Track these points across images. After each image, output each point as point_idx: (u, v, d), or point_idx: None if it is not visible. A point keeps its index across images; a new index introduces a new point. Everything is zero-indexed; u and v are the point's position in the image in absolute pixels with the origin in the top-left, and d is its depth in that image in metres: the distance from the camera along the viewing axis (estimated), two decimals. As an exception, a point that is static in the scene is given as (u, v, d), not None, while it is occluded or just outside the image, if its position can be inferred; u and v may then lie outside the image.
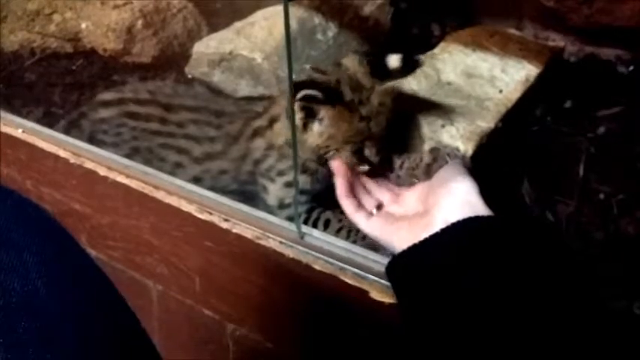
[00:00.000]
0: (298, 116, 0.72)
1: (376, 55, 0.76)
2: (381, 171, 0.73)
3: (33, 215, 0.43)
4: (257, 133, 0.82)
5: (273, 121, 0.80)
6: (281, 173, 0.80)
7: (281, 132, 0.79)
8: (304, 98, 0.70)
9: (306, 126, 0.73)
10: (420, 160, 0.75)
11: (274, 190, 0.80)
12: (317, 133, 0.73)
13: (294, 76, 0.68)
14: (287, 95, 0.75)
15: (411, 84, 0.87)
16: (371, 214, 0.64)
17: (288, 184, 0.79)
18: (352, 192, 0.67)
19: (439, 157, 0.75)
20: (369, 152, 0.73)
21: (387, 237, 0.58)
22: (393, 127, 0.76)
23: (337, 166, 0.70)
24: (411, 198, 0.64)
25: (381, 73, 0.74)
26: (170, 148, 0.86)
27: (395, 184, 0.72)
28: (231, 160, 0.83)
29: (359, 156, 0.73)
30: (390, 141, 0.76)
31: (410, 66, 0.75)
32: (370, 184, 0.70)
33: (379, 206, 0.66)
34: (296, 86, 0.69)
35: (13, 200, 0.43)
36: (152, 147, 0.87)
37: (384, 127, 0.74)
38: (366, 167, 0.72)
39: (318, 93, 0.70)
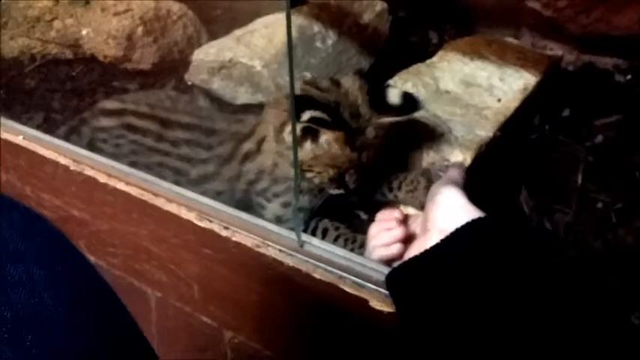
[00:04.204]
0: (297, 132, 0.69)
1: (376, 81, 0.74)
2: (360, 197, 0.73)
3: (39, 228, 0.43)
4: (247, 156, 0.81)
5: (260, 143, 0.79)
6: (277, 195, 0.79)
7: (269, 153, 0.77)
8: (311, 120, 0.67)
9: (299, 142, 0.71)
10: (418, 182, 0.75)
11: (272, 209, 0.80)
12: (307, 150, 0.72)
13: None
14: (287, 105, 0.74)
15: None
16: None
17: (285, 205, 0.79)
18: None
19: (432, 176, 0.75)
20: (348, 179, 0.72)
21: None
22: (383, 155, 0.74)
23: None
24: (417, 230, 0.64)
25: (379, 105, 0.72)
26: (166, 167, 0.85)
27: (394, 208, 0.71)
28: (225, 180, 0.82)
29: (337, 180, 0.72)
30: (374, 170, 0.75)
31: (410, 105, 0.72)
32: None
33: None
34: (298, 103, 0.67)
35: (20, 213, 0.43)
36: (149, 163, 0.86)
37: (371, 159, 0.73)
38: (340, 191, 0.72)
39: (325, 116, 0.68)
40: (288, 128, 0.71)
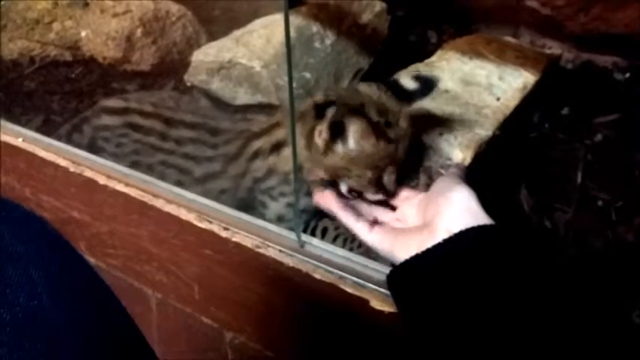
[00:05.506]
0: (323, 136, 0.68)
1: (389, 80, 0.73)
2: (391, 198, 0.69)
3: (38, 229, 0.43)
4: (258, 154, 0.79)
5: (278, 147, 0.77)
6: (283, 194, 0.78)
7: (290, 159, 0.73)
8: (336, 114, 0.66)
9: (328, 147, 0.68)
10: (417, 181, 0.75)
11: (275, 208, 0.79)
12: (340, 154, 0.68)
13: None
14: (288, 105, 0.73)
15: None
16: (372, 225, 0.63)
17: (289, 205, 0.78)
18: (348, 206, 0.66)
19: (432, 173, 0.75)
20: (387, 180, 0.68)
21: (389, 248, 0.58)
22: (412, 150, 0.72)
23: (324, 193, 0.68)
24: (410, 211, 0.64)
25: (400, 95, 0.71)
26: (170, 165, 0.84)
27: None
28: (230, 178, 0.81)
29: (376, 183, 0.68)
30: (405, 167, 0.72)
31: (426, 84, 0.72)
32: (363, 203, 0.69)
33: (376, 221, 0.65)
34: (320, 107, 0.67)
35: (18, 214, 0.43)
36: (153, 163, 0.85)
37: (407, 153, 0.70)
38: (380, 196, 0.68)
39: (345, 109, 0.66)
40: (318, 131, 0.69)
